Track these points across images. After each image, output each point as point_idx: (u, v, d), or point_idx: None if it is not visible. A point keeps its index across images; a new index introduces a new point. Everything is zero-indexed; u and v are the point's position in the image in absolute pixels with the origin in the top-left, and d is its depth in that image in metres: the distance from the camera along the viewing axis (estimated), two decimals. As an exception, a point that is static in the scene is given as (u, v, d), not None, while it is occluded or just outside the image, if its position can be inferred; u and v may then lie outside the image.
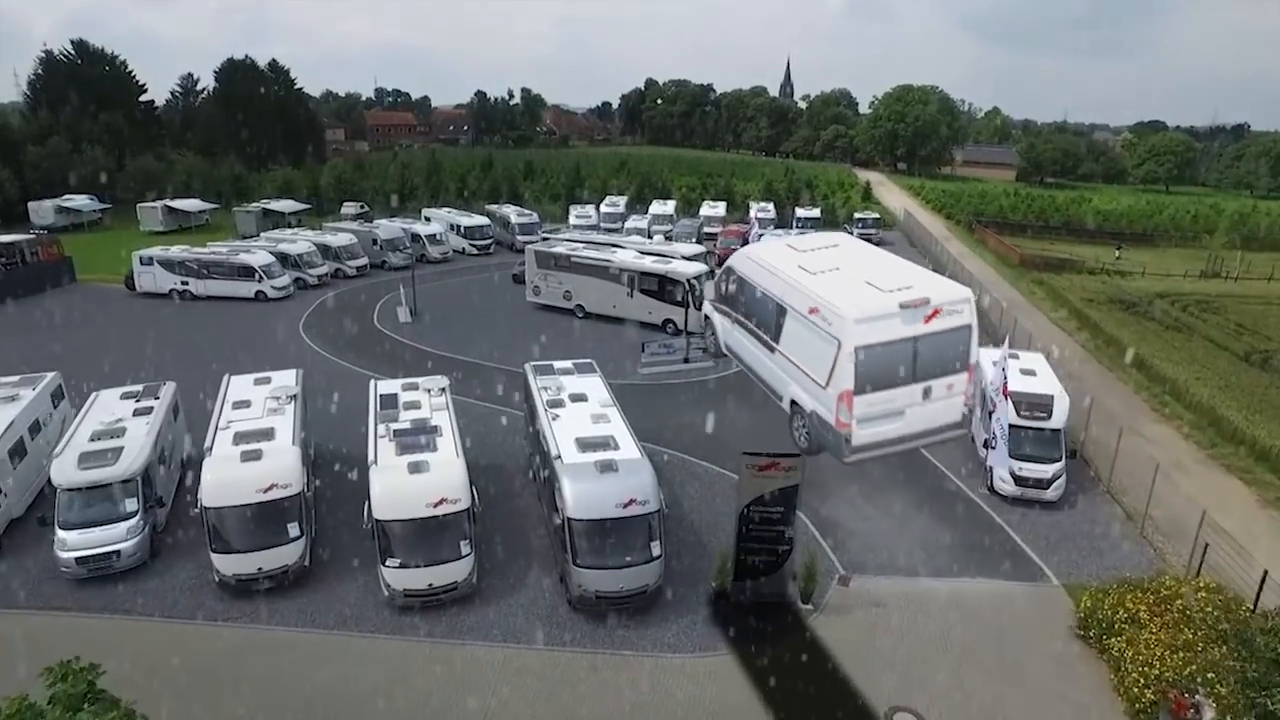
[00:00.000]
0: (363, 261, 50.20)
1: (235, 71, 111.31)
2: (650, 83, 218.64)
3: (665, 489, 22.35)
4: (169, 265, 43.27)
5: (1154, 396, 31.57)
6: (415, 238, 54.65)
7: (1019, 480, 22.49)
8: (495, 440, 26.60)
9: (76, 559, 18.04)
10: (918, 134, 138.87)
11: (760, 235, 54.62)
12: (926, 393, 10.79)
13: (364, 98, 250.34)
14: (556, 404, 21.21)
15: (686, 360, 33.38)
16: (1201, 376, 32.56)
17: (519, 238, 58.68)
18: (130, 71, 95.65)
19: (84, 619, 17.40)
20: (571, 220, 61.11)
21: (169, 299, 43.28)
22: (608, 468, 17.94)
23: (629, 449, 18.89)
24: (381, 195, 78.61)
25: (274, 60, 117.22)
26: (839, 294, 10.82)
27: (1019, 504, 22.72)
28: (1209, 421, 28.03)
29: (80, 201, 68.82)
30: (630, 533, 17.54)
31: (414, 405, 21.39)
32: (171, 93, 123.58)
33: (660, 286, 37.59)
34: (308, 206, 71.43)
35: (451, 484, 17.98)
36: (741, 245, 57.78)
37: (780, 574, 18.18)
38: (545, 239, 47.03)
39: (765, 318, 12.36)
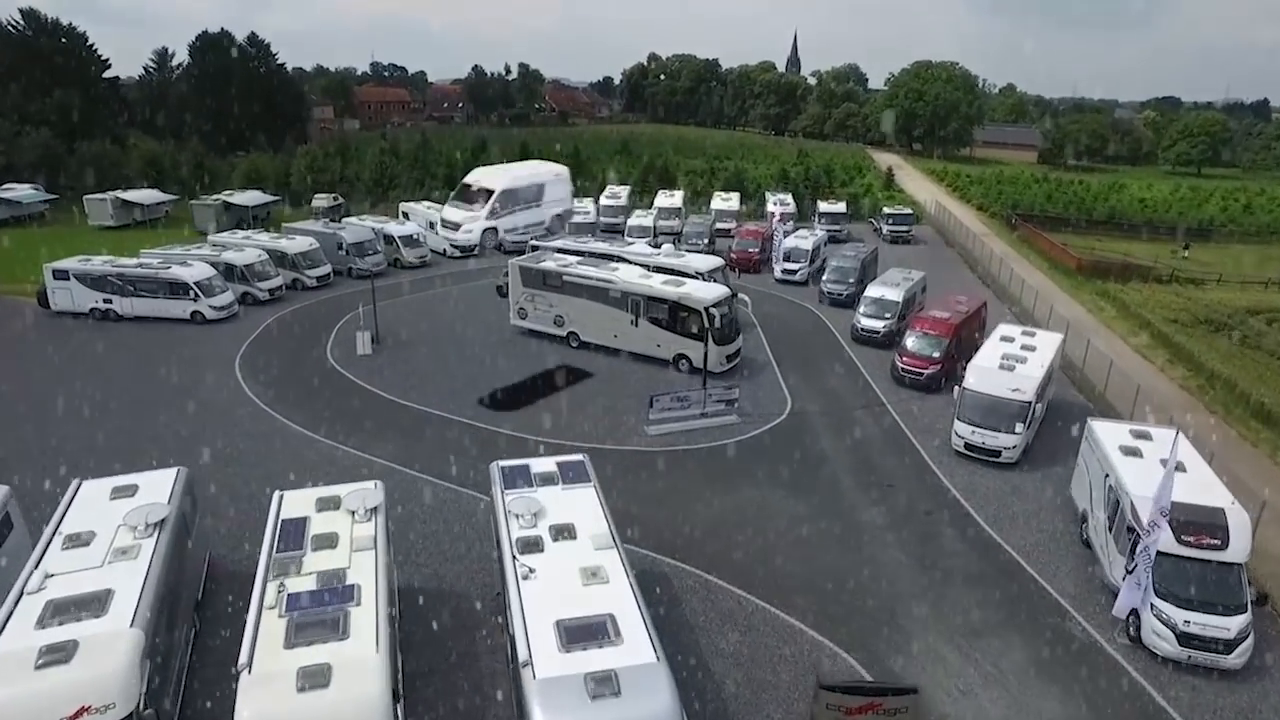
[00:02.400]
0: (325, 270, 43.43)
1: (210, 46, 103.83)
2: (653, 57, 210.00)
3: (683, 638, 15.90)
4: (88, 280, 36.52)
5: (1298, 467, 25.01)
6: (388, 239, 47.84)
7: (1185, 639, 15.94)
8: (454, 548, 20.00)
9: None
10: (937, 113, 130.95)
11: (786, 235, 47.72)
12: None
13: (359, 72, 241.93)
14: (530, 545, 14.63)
15: (704, 414, 26.82)
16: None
17: (507, 237, 51.98)
18: (91, 44, 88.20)
19: None
20: (567, 216, 54.28)
21: (89, 320, 36.60)
22: (604, 687, 11.42)
23: (637, 645, 12.33)
24: (362, 184, 71.59)
25: (253, 33, 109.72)
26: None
27: (1183, 669, 16.21)
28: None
29: (22, 192, 61.78)
30: (640, 804, 11.10)
31: (328, 541, 14.80)
32: (145, 69, 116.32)
33: (671, 314, 30.89)
34: (275, 199, 64.40)
35: (364, 709, 11.47)
36: (761, 249, 51.16)
37: None
38: (535, 247, 40.23)
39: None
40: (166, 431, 25.60)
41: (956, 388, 25.76)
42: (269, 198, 63.45)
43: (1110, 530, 18.53)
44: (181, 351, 33.10)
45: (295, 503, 16.11)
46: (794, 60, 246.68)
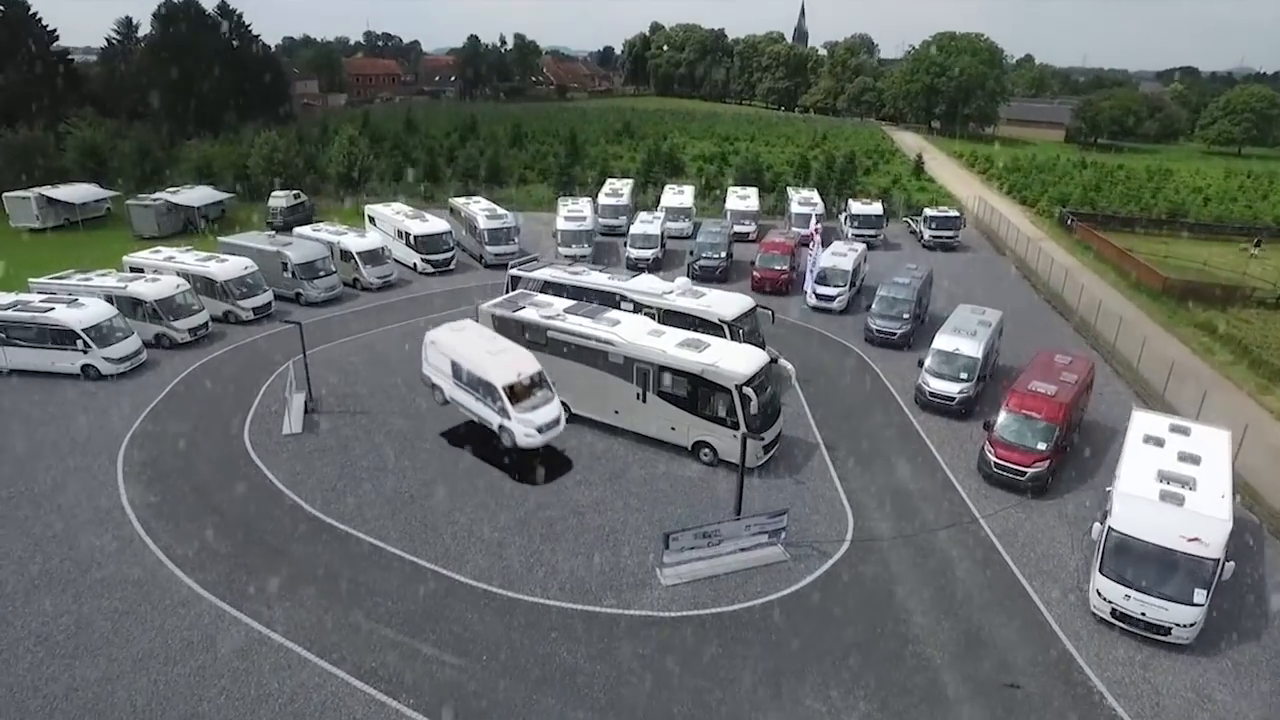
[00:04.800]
0: (264, 299, 35.79)
1: (175, 15, 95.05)
2: (656, 27, 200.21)
3: None
4: (-52, 325, 29.04)
5: None
6: (346, 255, 40.18)
7: None
8: None
9: None
10: (961, 90, 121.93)
11: (818, 249, 39.97)
12: None
13: (353, 42, 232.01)
14: None
15: (741, 549, 19.46)
16: None
17: (489, 248, 44.33)
18: (35, 15, 79.56)
19: None
20: (560, 222, 46.33)
21: (-47, 375, 29.21)
22: None
23: None
24: (331, 177, 63.45)
25: (224, 1, 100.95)
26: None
27: None
28: None
29: (-64, 188, 54.03)
30: None
31: None
32: (107, 40, 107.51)
33: (691, 390, 23.36)
34: (229, 196, 56.50)
35: None
36: (789, 264, 43.30)
37: None
38: (515, 280, 32.53)
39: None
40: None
41: (1095, 525, 18.39)
42: (220, 195, 55.54)
43: None
44: (56, 426, 25.65)
45: None
46: (801, 31, 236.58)
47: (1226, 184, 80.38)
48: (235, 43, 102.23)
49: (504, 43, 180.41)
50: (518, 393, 22.73)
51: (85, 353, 28.61)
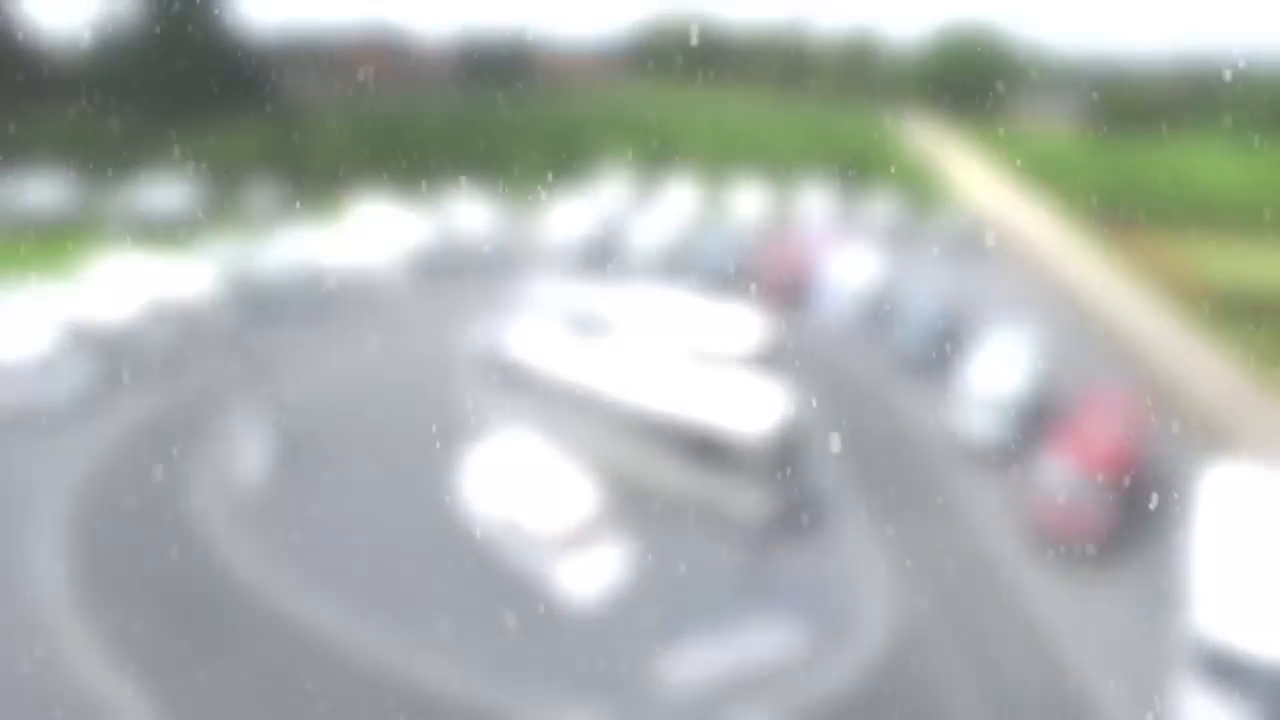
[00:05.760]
0: (228, 321, 32.81)
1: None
2: (661, 14, 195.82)
3: None
4: None
5: None
6: (320, 270, 37.19)
7: None
8: None
9: None
10: (978, 79, 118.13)
11: (832, 257, 37.05)
12: None
13: (349, 32, 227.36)
14: None
15: (765, 642, 16.62)
16: None
17: (478, 262, 41.34)
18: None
19: None
20: (552, 235, 43.21)
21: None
22: None
23: None
24: (316, 177, 60.40)
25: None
26: None
27: None
28: None
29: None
30: None
31: None
32: (79, 27, 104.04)
33: (701, 447, 20.42)
34: (197, 198, 53.43)
35: None
36: (799, 276, 40.29)
37: None
38: (502, 304, 29.52)
39: None
40: None
41: (1183, 626, 15.51)
42: (187, 197, 52.49)
43: None
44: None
45: None
46: (806, 17, 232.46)
47: (1257, 178, 77.04)
48: (218, 29, 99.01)
49: (503, 32, 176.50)
50: (570, 539, 18.33)
51: (22, 390, 25.69)
